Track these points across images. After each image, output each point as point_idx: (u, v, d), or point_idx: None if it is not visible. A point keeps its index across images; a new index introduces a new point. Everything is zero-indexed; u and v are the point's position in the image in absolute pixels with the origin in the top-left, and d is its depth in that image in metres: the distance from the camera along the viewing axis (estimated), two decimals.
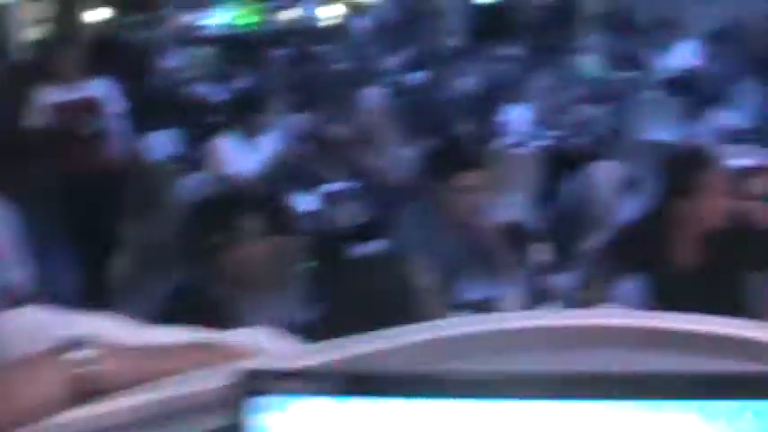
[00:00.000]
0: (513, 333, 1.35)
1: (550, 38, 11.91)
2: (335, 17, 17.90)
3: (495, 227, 4.17)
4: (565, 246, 5.35)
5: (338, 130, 5.98)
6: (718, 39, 10.31)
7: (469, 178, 3.86)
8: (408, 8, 15.30)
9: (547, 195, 6.45)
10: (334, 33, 15.33)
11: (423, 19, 14.79)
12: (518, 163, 6.44)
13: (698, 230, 3.67)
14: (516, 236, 4.30)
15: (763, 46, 10.05)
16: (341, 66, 10.96)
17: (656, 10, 12.26)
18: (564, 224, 6.08)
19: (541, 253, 3.53)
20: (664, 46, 10.55)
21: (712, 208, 3.60)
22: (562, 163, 6.49)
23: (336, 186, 5.40)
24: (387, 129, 7.13)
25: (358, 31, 14.55)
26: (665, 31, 10.93)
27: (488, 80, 8.43)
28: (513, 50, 11.53)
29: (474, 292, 3.89)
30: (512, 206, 6.04)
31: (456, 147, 4.55)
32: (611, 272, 3.79)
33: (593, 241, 4.32)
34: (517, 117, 6.98)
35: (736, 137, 7.64)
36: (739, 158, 5.71)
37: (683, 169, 3.70)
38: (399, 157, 6.05)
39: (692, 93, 8.89)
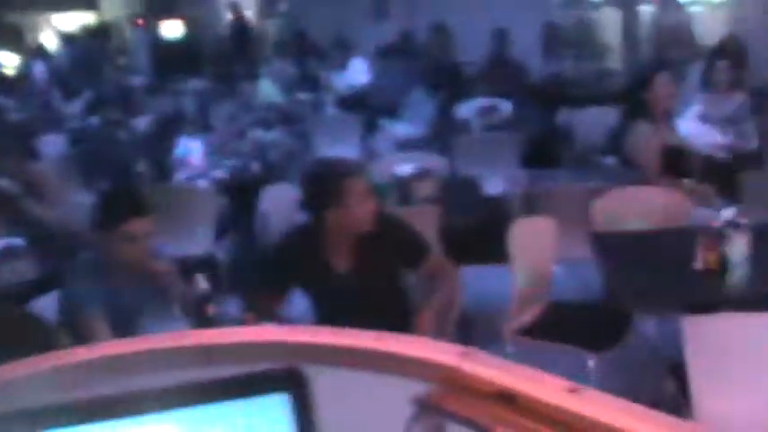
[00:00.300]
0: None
1: (233, 67, 12.00)
2: (13, 66, 17.13)
3: (170, 265, 4.14)
4: (240, 272, 5.44)
5: (4, 184, 5.72)
6: (388, 54, 10.78)
7: (136, 225, 3.80)
8: (90, 49, 14.92)
9: (228, 225, 6.50)
10: (12, 82, 14.69)
11: (105, 59, 14.52)
12: (196, 196, 6.42)
13: (349, 237, 3.82)
14: (191, 269, 4.29)
15: (431, 58, 10.63)
16: (18, 115, 10.53)
17: (333, 31, 12.67)
18: (245, 252, 6.16)
19: (203, 283, 3.53)
20: (340, 66, 10.91)
21: (358, 214, 3.76)
22: (241, 191, 6.55)
23: (3, 243, 5.15)
24: (63, 177, 6.92)
25: (38, 78, 14.03)
26: (341, 51, 11.30)
27: (166, 116, 8.38)
28: (198, 83, 11.54)
29: (152, 331, 3.84)
30: (192, 240, 6.05)
31: (122, 194, 4.47)
32: (275, 289, 3.88)
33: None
34: (193, 150, 6.97)
35: (410, 145, 8.05)
36: (409, 165, 6.00)
37: (324, 182, 3.84)
38: (75, 205, 5.88)
39: (367, 108, 9.27)
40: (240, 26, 14.82)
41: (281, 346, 1.18)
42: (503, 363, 1.16)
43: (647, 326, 4.98)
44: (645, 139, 5.62)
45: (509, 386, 1.06)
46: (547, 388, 1.05)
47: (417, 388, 1.17)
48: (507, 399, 1.05)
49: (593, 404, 1.02)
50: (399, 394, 1.16)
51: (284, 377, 0.92)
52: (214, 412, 0.92)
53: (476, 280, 5.67)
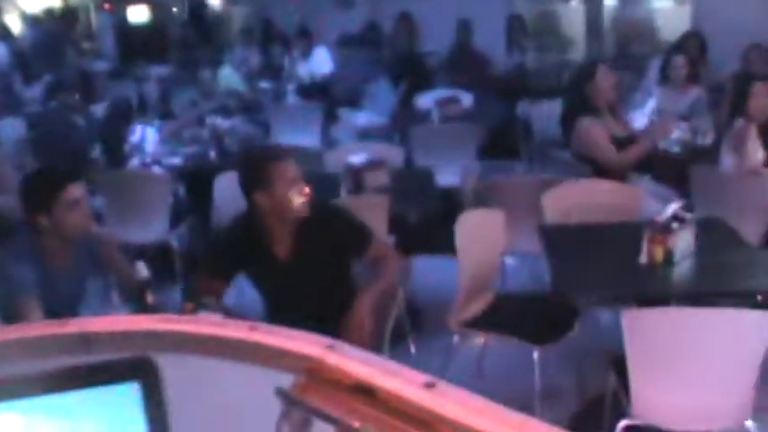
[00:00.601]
0: None
1: (197, 54, 11.94)
2: None
3: (119, 246, 4.13)
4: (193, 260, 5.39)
5: None
6: (350, 43, 10.74)
7: (75, 190, 3.79)
8: (54, 33, 14.73)
9: (183, 212, 6.46)
10: None
11: (69, 43, 14.34)
12: (151, 182, 6.38)
13: (288, 224, 3.80)
14: (138, 257, 4.26)
15: (394, 47, 10.62)
16: None
17: (297, 19, 12.62)
18: (200, 240, 6.13)
19: (143, 270, 3.50)
20: (303, 54, 10.86)
21: (287, 200, 3.73)
22: (197, 178, 6.51)
23: None
24: (19, 161, 6.87)
25: None
26: (304, 39, 11.25)
27: (122, 101, 8.29)
28: (161, 69, 11.47)
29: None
30: (146, 227, 6.02)
31: (50, 168, 4.48)
32: (217, 276, 3.86)
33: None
34: (149, 137, 6.91)
35: (369, 134, 8.04)
36: (363, 154, 5.99)
37: (251, 166, 3.83)
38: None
39: (329, 96, 9.26)
40: (198, 10, 14.72)
41: (152, 335, 1.17)
42: (367, 356, 1.16)
43: (592, 318, 5.01)
44: (589, 133, 5.65)
45: (366, 379, 1.06)
46: (403, 382, 1.05)
47: (285, 380, 1.16)
48: (365, 392, 1.05)
49: (446, 400, 1.02)
50: (267, 385, 1.15)
51: (134, 366, 0.91)
52: (61, 402, 0.91)
53: (425, 271, 5.69)
